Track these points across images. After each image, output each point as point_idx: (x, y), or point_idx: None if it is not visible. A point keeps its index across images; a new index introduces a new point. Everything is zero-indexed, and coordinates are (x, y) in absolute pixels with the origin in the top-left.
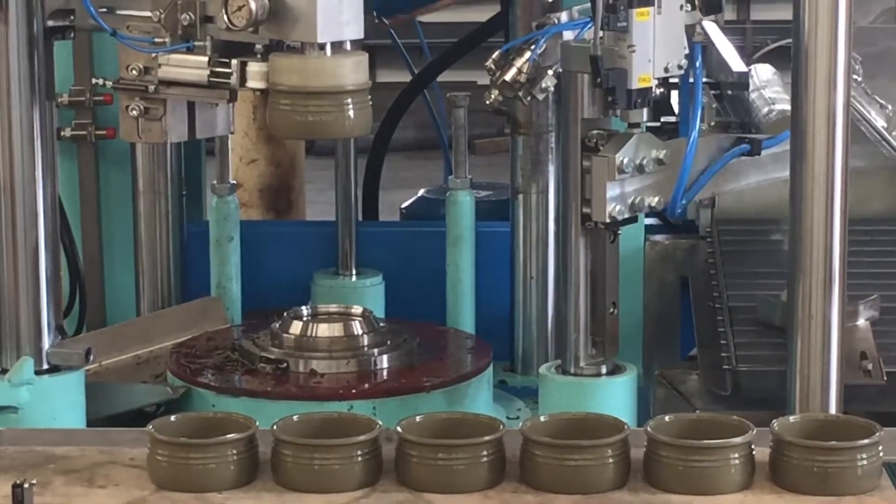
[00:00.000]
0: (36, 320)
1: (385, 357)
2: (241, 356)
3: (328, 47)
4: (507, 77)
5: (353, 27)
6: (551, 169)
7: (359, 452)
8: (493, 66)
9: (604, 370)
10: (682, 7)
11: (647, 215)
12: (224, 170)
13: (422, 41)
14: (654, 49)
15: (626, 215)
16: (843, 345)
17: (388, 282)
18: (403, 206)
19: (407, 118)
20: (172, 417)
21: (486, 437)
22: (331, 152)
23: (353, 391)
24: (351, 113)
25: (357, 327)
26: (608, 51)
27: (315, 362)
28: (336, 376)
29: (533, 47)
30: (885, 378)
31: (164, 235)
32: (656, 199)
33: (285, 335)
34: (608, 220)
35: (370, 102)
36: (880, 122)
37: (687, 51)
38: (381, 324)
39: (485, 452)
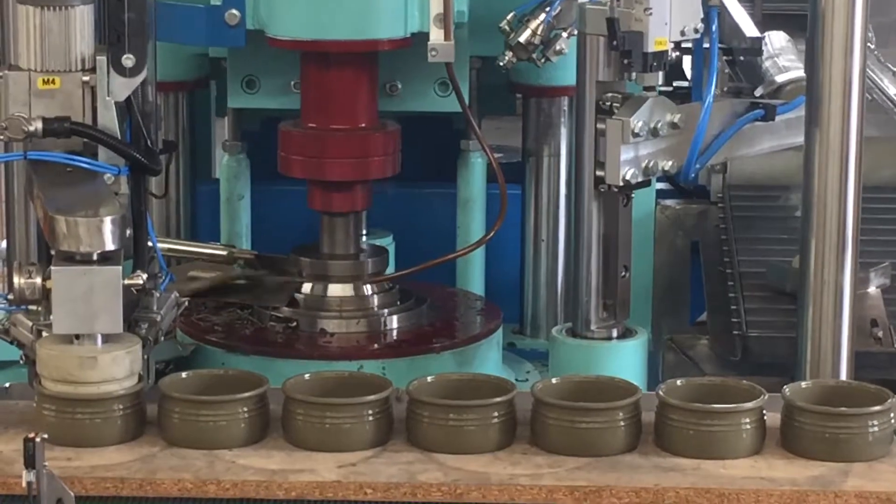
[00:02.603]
0: None
1: (395, 318)
2: (251, 314)
3: None
4: (522, 39)
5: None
6: (563, 132)
7: (369, 412)
8: (507, 28)
9: (614, 334)
10: None
11: (658, 180)
12: (235, 129)
13: None
14: (671, 12)
15: (640, 179)
16: (855, 312)
17: (397, 243)
18: None
19: None
20: (184, 374)
21: (497, 399)
22: None
23: (363, 351)
24: None
25: (367, 288)
26: (625, 14)
27: (325, 322)
28: (346, 336)
29: (548, 9)
30: None
31: (174, 194)
32: (670, 162)
33: (296, 294)
34: (621, 184)
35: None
36: (893, 91)
37: (702, 15)
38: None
39: (495, 414)
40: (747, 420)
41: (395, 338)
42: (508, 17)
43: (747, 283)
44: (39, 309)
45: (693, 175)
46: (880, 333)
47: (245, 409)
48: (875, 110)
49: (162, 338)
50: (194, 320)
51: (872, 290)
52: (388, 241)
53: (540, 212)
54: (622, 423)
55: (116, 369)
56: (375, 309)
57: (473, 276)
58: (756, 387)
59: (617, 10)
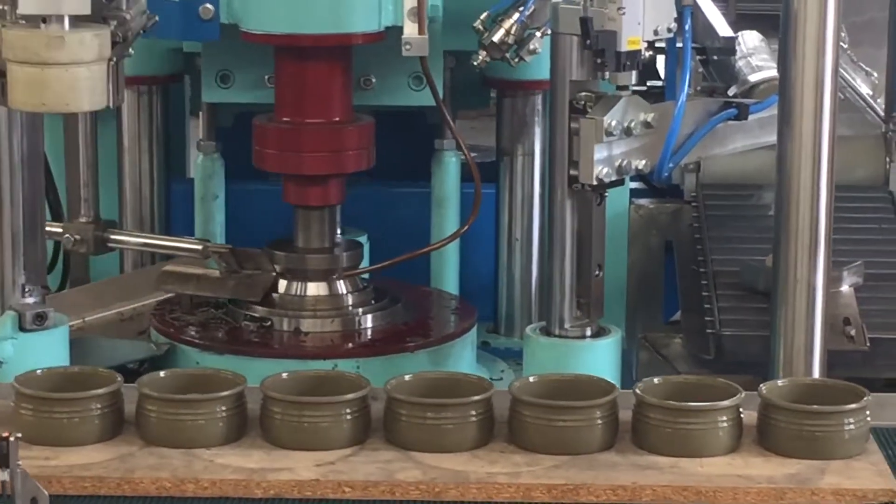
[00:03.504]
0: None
1: (370, 317)
2: (226, 314)
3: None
4: (495, 38)
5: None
6: (537, 131)
7: (347, 411)
8: (480, 28)
9: (588, 332)
10: None
11: (632, 179)
12: (209, 127)
13: None
14: (644, 12)
15: (614, 178)
16: (827, 310)
17: (372, 242)
18: None
19: None
20: (161, 373)
21: (475, 397)
22: None
23: (338, 350)
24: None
25: (342, 286)
26: (598, 13)
27: (300, 321)
28: (320, 335)
29: (521, 9)
30: (868, 344)
31: (148, 193)
32: (643, 161)
33: (271, 294)
34: (595, 183)
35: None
36: (866, 90)
37: (675, 14)
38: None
39: (473, 412)
40: (724, 418)
41: (369, 337)
42: (482, 16)
43: (721, 282)
44: (5, 8)
45: (667, 174)
46: (853, 332)
47: (223, 408)
48: (848, 109)
49: (130, 37)
50: (168, 319)
51: (845, 288)
52: (362, 240)
53: (514, 211)
54: (600, 422)
55: (84, 51)
56: (350, 308)
57: (448, 275)
58: (733, 385)
59: (590, 9)
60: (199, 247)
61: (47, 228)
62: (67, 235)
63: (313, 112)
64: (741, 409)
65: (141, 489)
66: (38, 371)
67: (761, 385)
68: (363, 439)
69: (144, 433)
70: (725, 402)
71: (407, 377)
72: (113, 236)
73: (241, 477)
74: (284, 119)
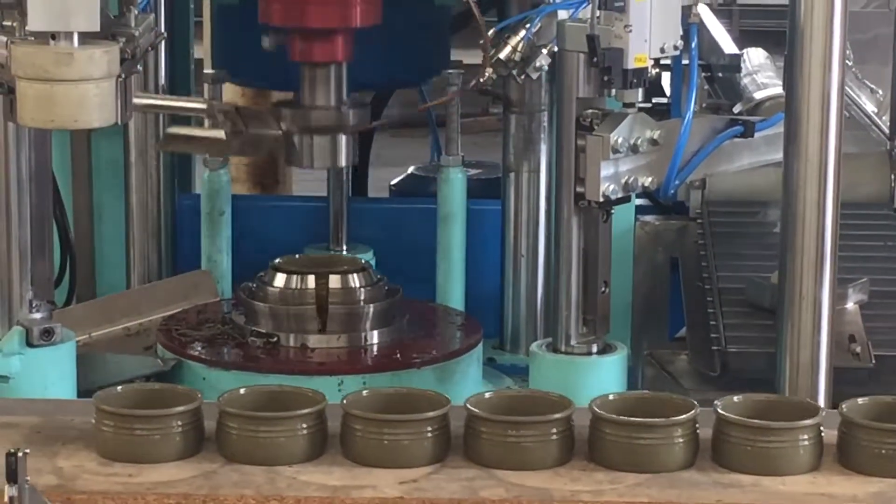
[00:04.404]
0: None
1: (376, 333)
2: (232, 329)
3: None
4: (502, 55)
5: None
6: (543, 148)
7: (429, 428)
8: (487, 45)
9: (594, 349)
10: None
11: (638, 196)
12: None
13: None
14: (651, 29)
15: (620, 195)
16: (833, 327)
17: (378, 258)
18: (393, 182)
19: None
20: (242, 390)
21: (557, 415)
22: None
23: (344, 366)
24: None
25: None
26: (605, 31)
27: (306, 336)
28: (327, 351)
29: (528, 26)
30: (874, 361)
31: (154, 208)
32: (650, 179)
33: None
34: (601, 200)
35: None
36: (870, 107)
37: (681, 32)
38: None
39: (554, 430)
40: (805, 436)
41: (375, 353)
42: (489, 33)
43: (726, 299)
44: (14, 24)
45: (673, 191)
46: (858, 349)
47: (304, 425)
48: (853, 127)
49: (139, 53)
50: (175, 335)
51: (850, 305)
52: (368, 257)
53: (520, 227)
54: (680, 440)
55: (93, 68)
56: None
57: (453, 292)
58: (813, 403)
59: (597, 27)
60: (204, 105)
61: None
62: None
63: None
64: (821, 428)
65: None
66: (119, 388)
67: (842, 403)
68: (443, 457)
69: (225, 450)
70: (807, 421)
71: (487, 395)
72: None
73: (325, 494)
74: None
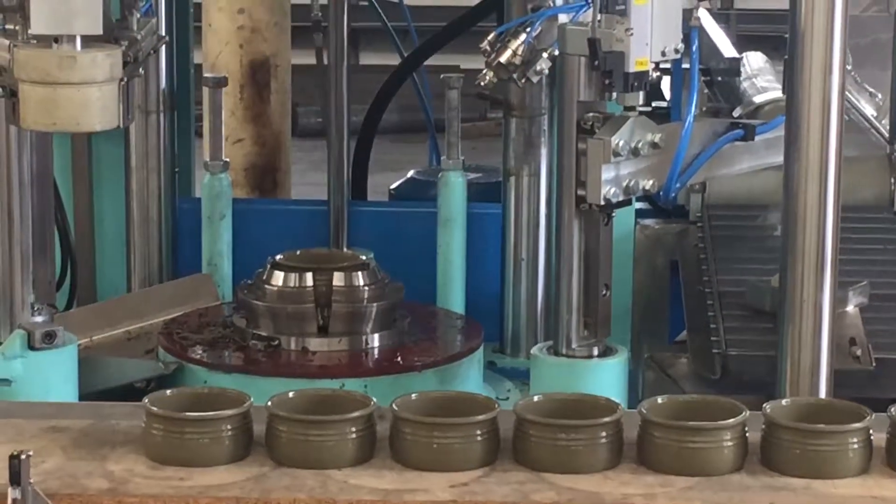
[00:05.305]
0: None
1: (376, 336)
2: (233, 333)
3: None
4: (502, 59)
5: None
6: (543, 152)
7: (478, 432)
8: (487, 48)
9: (595, 352)
10: None
11: (638, 199)
12: (216, 147)
13: (409, 24)
14: (652, 33)
15: (621, 198)
16: (833, 330)
17: (378, 262)
18: (392, 186)
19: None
20: (290, 394)
21: (606, 419)
22: (313, 133)
23: (345, 369)
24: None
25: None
26: (606, 34)
27: (307, 340)
28: (328, 354)
29: (528, 29)
30: (874, 364)
31: (155, 212)
32: (651, 182)
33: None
34: (603, 203)
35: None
36: (870, 111)
37: (682, 35)
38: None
39: (604, 434)
40: (855, 440)
41: (376, 356)
42: (489, 37)
43: (726, 302)
44: (17, 28)
45: (674, 194)
46: (859, 352)
47: (354, 428)
48: (852, 130)
49: (141, 57)
50: (176, 338)
51: (851, 308)
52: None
53: (520, 231)
54: (730, 443)
55: (96, 71)
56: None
57: (454, 295)
58: (862, 407)
59: (598, 30)
60: None
61: None
62: None
63: None
64: (871, 431)
65: None
66: (168, 391)
67: (891, 406)
68: (493, 460)
69: (275, 453)
70: (857, 424)
71: (535, 398)
72: None
73: (377, 498)
74: None
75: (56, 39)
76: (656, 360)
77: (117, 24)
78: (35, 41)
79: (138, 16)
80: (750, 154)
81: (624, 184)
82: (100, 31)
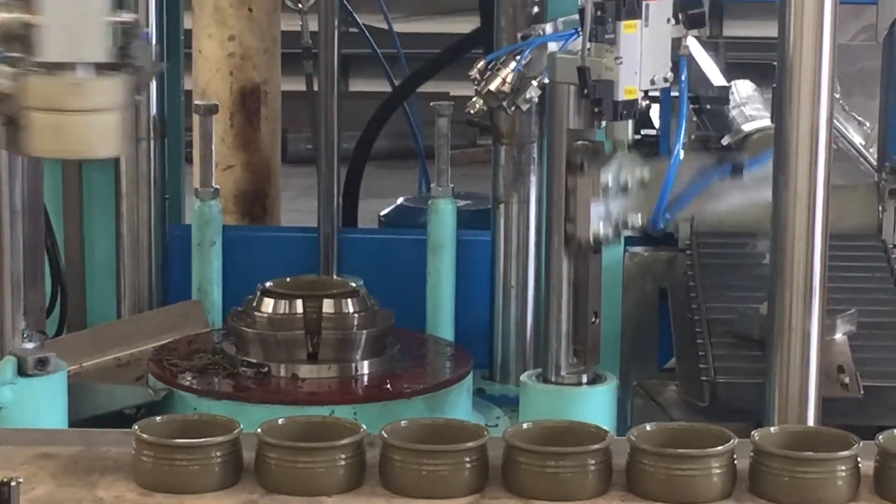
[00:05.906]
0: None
1: (366, 363)
2: (223, 359)
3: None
4: (492, 87)
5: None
6: (533, 179)
7: (467, 459)
8: (477, 76)
9: (584, 379)
10: (668, 21)
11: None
12: (206, 174)
13: (399, 51)
14: (641, 61)
15: (610, 235)
16: (822, 358)
17: (368, 288)
18: (382, 213)
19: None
20: (280, 421)
21: (595, 446)
22: (303, 160)
23: (334, 396)
24: None
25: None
26: (595, 62)
27: (297, 367)
28: (318, 381)
29: (518, 58)
30: (863, 392)
31: (145, 238)
32: (639, 217)
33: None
34: (592, 241)
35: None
36: (858, 139)
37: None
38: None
39: (592, 461)
40: (843, 468)
41: (366, 383)
42: (479, 65)
43: (715, 330)
44: (17, 55)
45: (661, 226)
46: (847, 380)
47: (343, 455)
48: (841, 159)
49: (143, 85)
50: (166, 365)
51: (839, 336)
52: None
53: (509, 258)
54: (718, 470)
55: (103, 98)
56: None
57: (443, 322)
58: (850, 435)
59: (588, 58)
60: None
61: None
62: None
63: None
64: (859, 459)
65: None
66: (158, 418)
67: (879, 434)
68: (481, 487)
69: (264, 480)
70: (844, 452)
71: (525, 425)
72: None
73: None
74: None
75: (61, 66)
76: (645, 387)
77: (119, 51)
78: (39, 69)
79: (140, 42)
80: (738, 190)
81: (613, 219)
82: (106, 59)
